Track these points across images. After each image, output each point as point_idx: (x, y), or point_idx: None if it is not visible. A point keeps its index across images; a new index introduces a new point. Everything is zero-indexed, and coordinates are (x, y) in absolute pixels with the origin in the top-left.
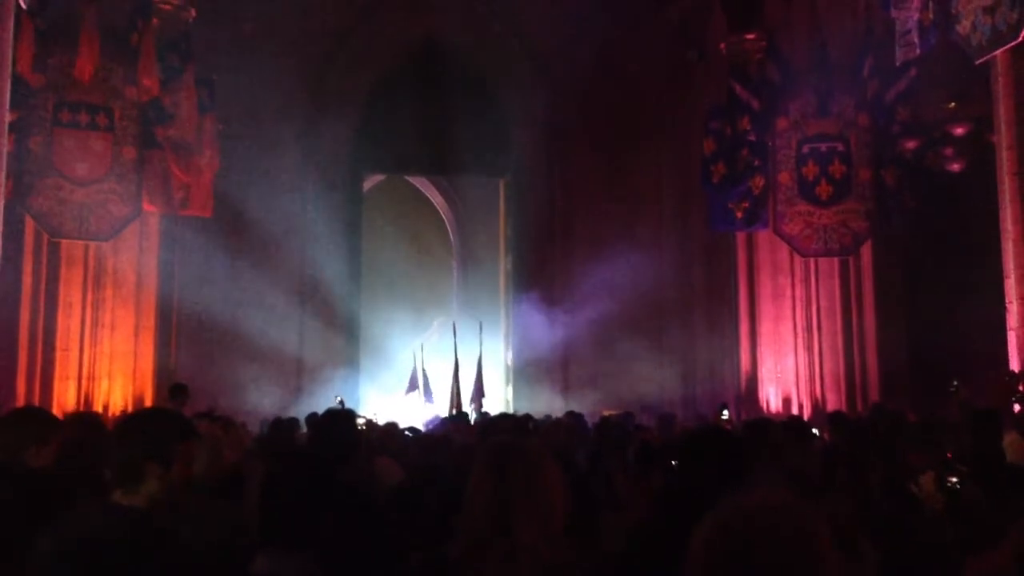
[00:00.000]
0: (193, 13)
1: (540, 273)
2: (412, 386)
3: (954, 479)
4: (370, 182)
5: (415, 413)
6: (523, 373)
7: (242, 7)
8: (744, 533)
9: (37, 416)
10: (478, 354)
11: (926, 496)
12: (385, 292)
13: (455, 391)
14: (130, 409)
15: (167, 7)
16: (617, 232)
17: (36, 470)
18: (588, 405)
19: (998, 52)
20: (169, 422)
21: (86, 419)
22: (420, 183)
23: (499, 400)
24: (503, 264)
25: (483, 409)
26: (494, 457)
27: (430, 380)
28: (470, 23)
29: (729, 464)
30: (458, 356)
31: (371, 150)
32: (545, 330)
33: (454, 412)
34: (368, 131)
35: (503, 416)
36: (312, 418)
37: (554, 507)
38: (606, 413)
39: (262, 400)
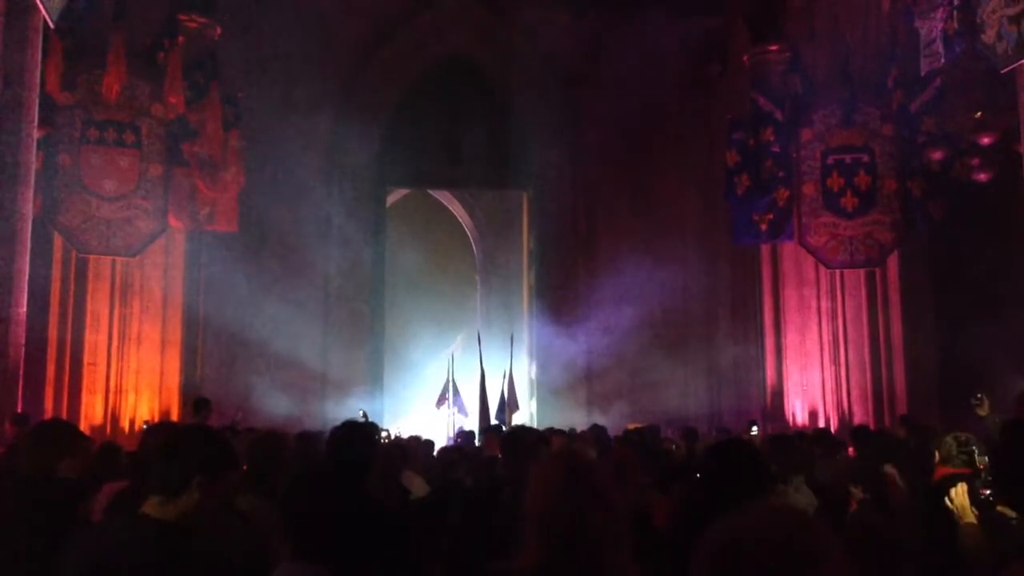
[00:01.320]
0: (219, 31)
1: (564, 286)
2: (443, 399)
3: (987, 491)
4: (394, 196)
5: (439, 427)
6: (547, 387)
7: (267, 25)
8: (744, 540)
9: (65, 429)
10: (508, 366)
11: (959, 508)
12: (409, 306)
13: (483, 403)
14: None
15: (193, 25)
16: (641, 245)
17: (68, 480)
18: (613, 419)
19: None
20: (221, 444)
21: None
22: (443, 197)
23: (524, 414)
24: (526, 278)
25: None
26: (569, 475)
27: (460, 393)
28: (493, 39)
29: (751, 476)
30: (483, 367)
31: (395, 165)
32: (569, 343)
33: (483, 424)
34: (392, 146)
35: (525, 429)
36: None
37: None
38: (631, 427)
39: (286, 414)
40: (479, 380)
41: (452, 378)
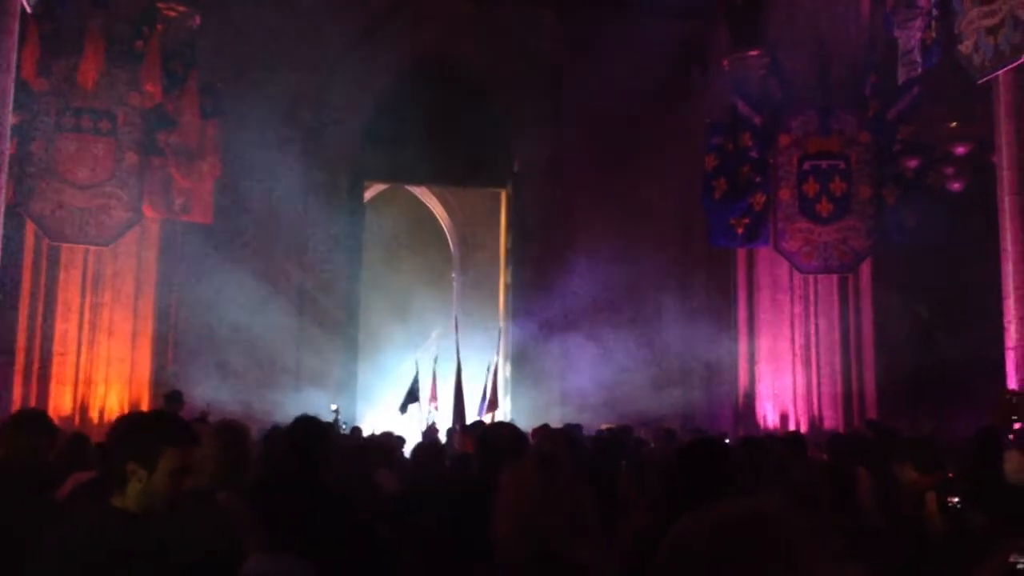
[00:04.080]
0: (198, 20)
1: (540, 285)
2: (411, 399)
3: (955, 499)
4: (371, 192)
5: (412, 425)
6: (522, 385)
7: (247, 15)
8: (715, 534)
9: (44, 419)
10: (494, 362)
11: (928, 517)
12: (384, 302)
13: (458, 396)
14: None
15: (172, 14)
16: (618, 246)
17: (43, 468)
18: (587, 418)
19: (1000, 72)
20: (156, 426)
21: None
22: (421, 193)
23: (498, 412)
24: (503, 275)
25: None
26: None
27: (439, 389)
28: (475, 35)
29: (723, 474)
30: (460, 359)
31: (373, 159)
32: (545, 342)
33: (457, 421)
34: (370, 140)
35: (500, 426)
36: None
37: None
38: (604, 427)
39: (259, 408)
40: (455, 374)
41: (433, 375)
